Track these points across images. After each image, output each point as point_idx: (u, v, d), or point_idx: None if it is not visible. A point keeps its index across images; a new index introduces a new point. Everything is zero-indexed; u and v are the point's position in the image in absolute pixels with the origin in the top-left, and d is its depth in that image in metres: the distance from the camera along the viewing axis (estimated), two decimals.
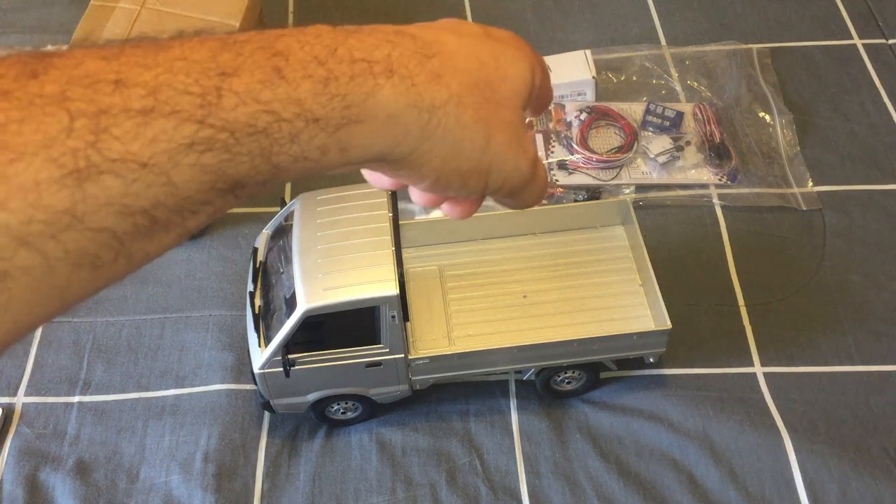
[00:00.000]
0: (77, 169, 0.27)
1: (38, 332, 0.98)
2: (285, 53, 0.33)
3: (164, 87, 0.30)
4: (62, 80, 0.28)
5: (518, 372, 0.92)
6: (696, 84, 1.20)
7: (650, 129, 1.13)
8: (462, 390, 0.92)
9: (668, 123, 1.13)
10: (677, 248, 1.04)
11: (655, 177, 1.09)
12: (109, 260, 0.29)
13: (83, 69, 0.29)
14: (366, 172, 0.43)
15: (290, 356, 0.81)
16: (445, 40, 0.39)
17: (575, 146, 1.10)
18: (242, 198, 0.33)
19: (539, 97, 0.43)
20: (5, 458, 0.89)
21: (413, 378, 0.87)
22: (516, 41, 0.42)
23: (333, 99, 0.33)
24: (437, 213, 1.06)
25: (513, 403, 0.92)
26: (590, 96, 1.16)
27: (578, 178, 1.09)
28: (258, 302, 0.85)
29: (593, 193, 1.02)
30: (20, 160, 0.26)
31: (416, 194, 0.43)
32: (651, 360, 0.89)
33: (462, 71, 0.38)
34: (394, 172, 0.39)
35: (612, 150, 1.10)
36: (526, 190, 0.42)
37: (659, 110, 1.14)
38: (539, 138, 1.12)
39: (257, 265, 0.88)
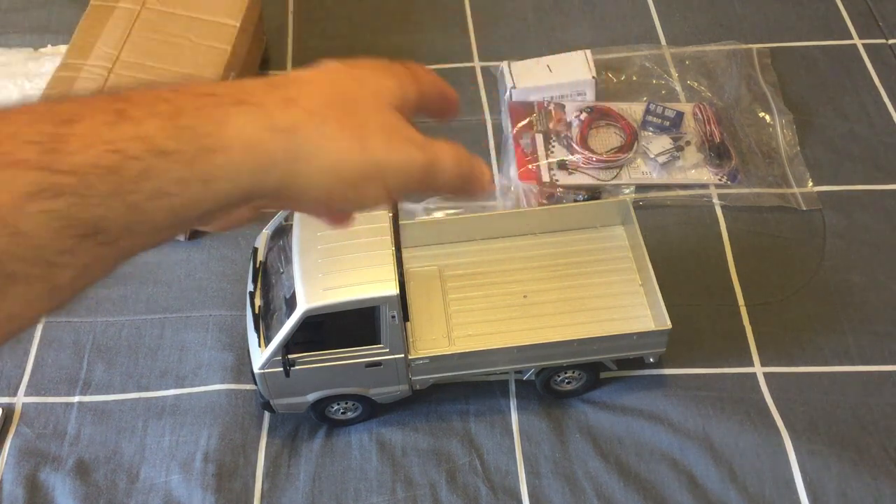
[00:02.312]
0: None
1: (38, 332, 0.98)
2: (129, 98, 0.34)
3: (6, 140, 0.30)
4: None
5: (518, 372, 0.92)
6: (696, 84, 1.20)
7: (650, 129, 1.13)
8: (462, 390, 0.92)
9: (668, 123, 1.13)
10: (677, 248, 1.04)
11: (655, 177, 1.09)
12: None
13: None
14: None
15: (290, 356, 0.81)
16: (299, 75, 0.41)
17: (575, 146, 1.10)
18: (114, 247, 0.33)
19: (427, 99, 0.45)
20: (5, 458, 0.89)
21: (413, 378, 0.87)
22: (380, 64, 0.44)
23: (183, 131, 0.34)
24: (437, 214, 1.07)
25: (513, 403, 0.92)
26: (590, 96, 1.16)
27: (578, 178, 1.09)
28: (258, 302, 0.85)
29: (593, 193, 1.02)
30: None
31: (328, 219, 0.45)
32: (651, 360, 0.89)
33: (318, 94, 0.40)
34: (286, 203, 0.40)
35: (612, 150, 1.10)
36: (439, 175, 0.43)
37: (659, 110, 1.14)
38: (539, 138, 1.12)
39: (257, 265, 0.88)
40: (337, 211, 0.42)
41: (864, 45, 1.26)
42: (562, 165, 1.09)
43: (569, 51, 1.19)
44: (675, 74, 1.22)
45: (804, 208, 1.07)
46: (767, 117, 1.16)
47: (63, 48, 1.14)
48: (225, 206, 0.36)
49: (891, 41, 1.27)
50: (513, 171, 1.09)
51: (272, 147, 0.36)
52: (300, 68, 0.42)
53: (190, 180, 0.34)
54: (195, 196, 0.35)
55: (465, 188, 0.45)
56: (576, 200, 0.99)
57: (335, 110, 0.39)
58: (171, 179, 0.33)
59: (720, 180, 1.09)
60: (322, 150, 0.38)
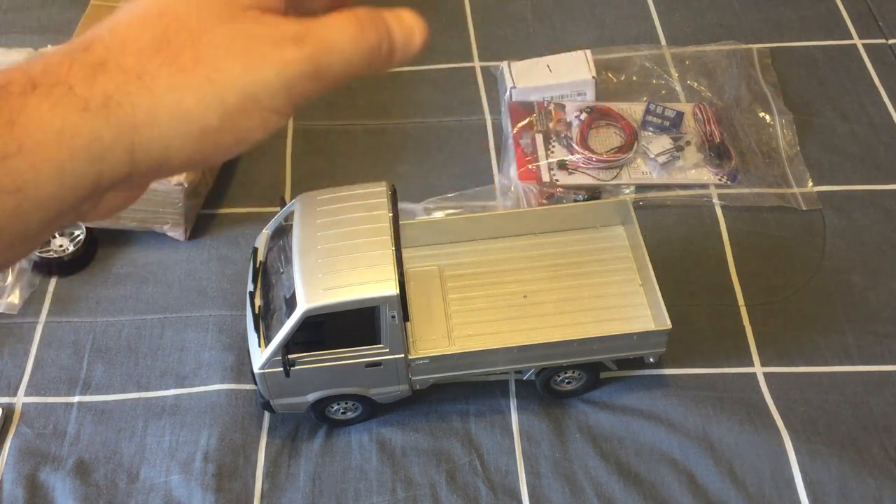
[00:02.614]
0: None
1: (38, 332, 0.98)
2: None
3: None
4: None
5: (518, 372, 0.92)
6: (696, 84, 1.20)
7: (650, 129, 1.13)
8: (462, 390, 0.92)
9: (668, 123, 1.13)
10: (677, 248, 1.04)
11: (655, 177, 1.09)
12: None
13: None
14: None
15: (290, 356, 0.81)
16: (112, 20, 0.33)
17: (575, 146, 1.10)
18: None
19: None
20: (5, 458, 0.89)
21: (413, 378, 0.87)
22: None
23: None
24: (437, 214, 1.07)
25: (513, 403, 0.92)
26: (590, 96, 1.16)
27: (578, 178, 1.09)
28: (258, 302, 0.85)
29: (593, 193, 1.02)
30: None
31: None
32: (651, 360, 0.89)
33: (134, 41, 0.32)
34: (158, 176, 0.33)
35: (612, 150, 1.10)
36: (336, 62, 0.35)
37: (659, 110, 1.14)
38: (539, 138, 1.12)
39: (257, 265, 0.88)
40: (229, 155, 0.34)
41: (864, 45, 1.26)
42: (562, 165, 1.09)
43: (569, 51, 1.19)
44: (675, 74, 1.22)
45: (804, 208, 1.07)
46: (767, 117, 1.16)
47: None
48: (67, 208, 0.31)
49: (891, 41, 1.27)
50: (513, 171, 1.09)
51: (93, 129, 0.30)
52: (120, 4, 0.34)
53: None
54: (10, 210, 0.29)
55: (387, 60, 0.37)
56: (576, 200, 0.99)
57: (161, 52, 0.31)
58: None
59: (720, 180, 1.09)
60: (160, 109, 0.31)
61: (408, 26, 0.38)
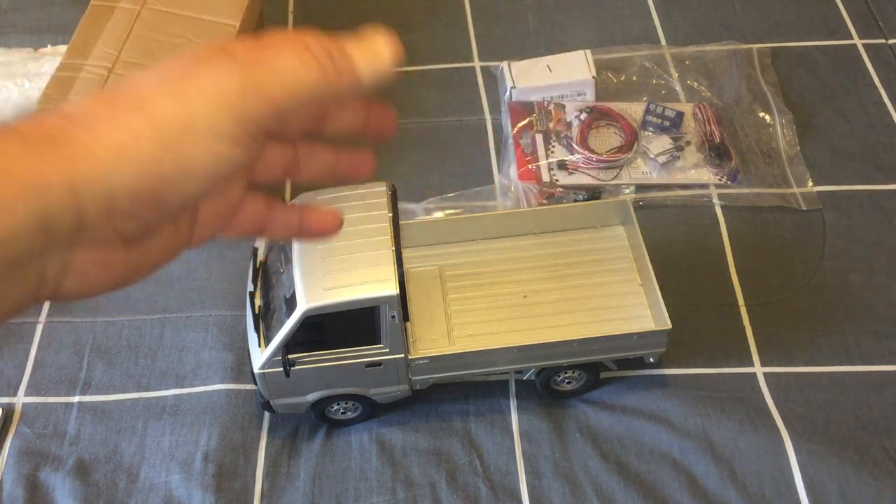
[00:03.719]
0: None
1: (38, 332, 0.98)
2: None
3: None
4: None
5: (518, 372, 0.92)
6: (696, 84, 1.20)
7: (650, 129, 1.13)
8: (462, 390, 0.92)
9: (668, 123, 1.13)
10: (677, 248, 1.04)
11: (655, 177, 1.09)
12: None
13: None
14: None
15: (290, 356, 0.81)
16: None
17: (575, 146, 1.10)
18: None
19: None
20: (5, 458, 0.89)
21: (413, 378, 0.87)
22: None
23: None
24: (437, 214, 1.06)
25: (513, 403, 0.92)
26: (590, 96, 1.16)
27: (578, 178, 1.09)
28: (258, 302, 0.85)
29: (593, 193, 1.02)
30: None
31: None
32: (651, 360, 0.89)
33: (84, 101, 0.33)
34: (111, 218, 0.33)
35: (612, 150, 1.10)
36: (276, 77, 0.33)
37: (659, 110, 1.14)
38: (539, 138, 1.12)
39: (257, 265, 0.88)
40: (183, 192, 0.34)
41: (864, 45, 1.26)
42: (562, 165, 1.09)
43: (569, 51, 1.19)
44: (675, 74, 1.22)
45: (804, 208, 1.07)
46: (767, 117, 1.16)
47: (63, 48, 1.14)
48: (23, 256, 0.31)
49: (891, 41, 1.27)
50: (513, 171, 1.09)
51: (34, 164, 0.31)
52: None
53: None
54: None
55: (346, 72, 0.35)
56: (576, 200, 0.99)
57: (101, 100, 0.33)
58: None
59: (720, 180, 1.09)
60: (96, 143, 0.31)
61: (367, 37, 0.37)
